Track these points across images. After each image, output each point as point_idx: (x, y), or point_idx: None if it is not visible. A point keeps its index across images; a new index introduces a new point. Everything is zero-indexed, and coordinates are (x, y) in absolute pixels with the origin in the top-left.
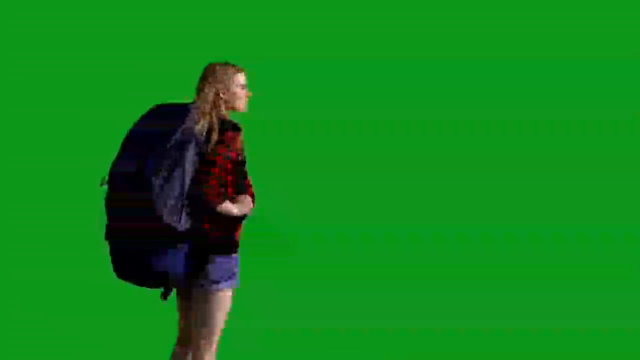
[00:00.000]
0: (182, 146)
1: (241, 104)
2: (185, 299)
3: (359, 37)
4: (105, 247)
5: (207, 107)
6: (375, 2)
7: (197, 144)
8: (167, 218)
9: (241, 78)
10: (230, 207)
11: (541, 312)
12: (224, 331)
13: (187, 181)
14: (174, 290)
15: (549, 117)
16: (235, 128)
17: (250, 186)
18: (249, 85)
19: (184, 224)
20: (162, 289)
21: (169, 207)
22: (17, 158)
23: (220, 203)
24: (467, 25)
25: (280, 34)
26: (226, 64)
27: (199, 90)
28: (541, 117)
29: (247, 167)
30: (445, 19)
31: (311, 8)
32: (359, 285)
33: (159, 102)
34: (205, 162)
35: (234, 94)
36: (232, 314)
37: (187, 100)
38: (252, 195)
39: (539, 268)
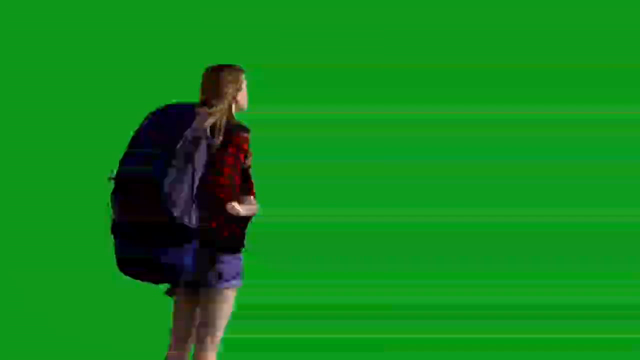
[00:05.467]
0: (192, 145)
1: (246, 104)
2: (190, 298)
3: (352, 40)
4: (107, 244)
5: (223, 108)
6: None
7: (207, 143)
8: (179, 215)
9: (244, 79)
10: (238, 208)
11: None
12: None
13: (197, 179)
14: (172, 293)
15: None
16: (245, 129)
17: (253, 188)
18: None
19: (194, 221)
20: (167, 286)
21: (179, 204)
22: (25, 155)
23: (229, 203)
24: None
25: (274, 36)
26: (235, 66)
27: (216, 91)
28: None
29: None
30: (444, 21)
31: (308, 11)
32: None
33: (165, 101)
34: (215, 161)
35: (244, 95)
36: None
37: (189, 99)
38: (254, 197)
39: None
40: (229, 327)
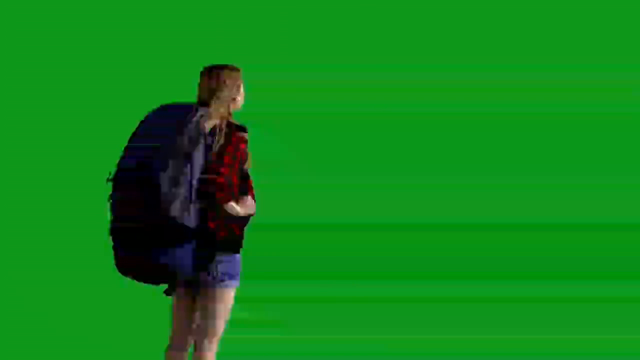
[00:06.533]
0: (191, 145)
1: (241, 103)
2: (189, 298)
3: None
4: (106, 244)
5: (222, 109)
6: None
7: (206, 143)
8: (177, 215)
9: (242, 79)
10: (236, 207)
11: None
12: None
13: (195, 179)
14: (171, 293)
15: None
16: (243, 129)
17: (252, 188)
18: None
19: (193, 221)
20: (166, 285)
21: (178, 204)
22: (24, 156)
23: (227, 202)
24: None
25: (274, 36)
26: (233, 66)
27: (214, 91)
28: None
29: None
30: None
31: (308, 11)
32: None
33: (164, 101)
34: (213, 161)
35: (242, 95)
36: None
37: (188, 99)
38: (253, 197)
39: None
40: (228, 327)
